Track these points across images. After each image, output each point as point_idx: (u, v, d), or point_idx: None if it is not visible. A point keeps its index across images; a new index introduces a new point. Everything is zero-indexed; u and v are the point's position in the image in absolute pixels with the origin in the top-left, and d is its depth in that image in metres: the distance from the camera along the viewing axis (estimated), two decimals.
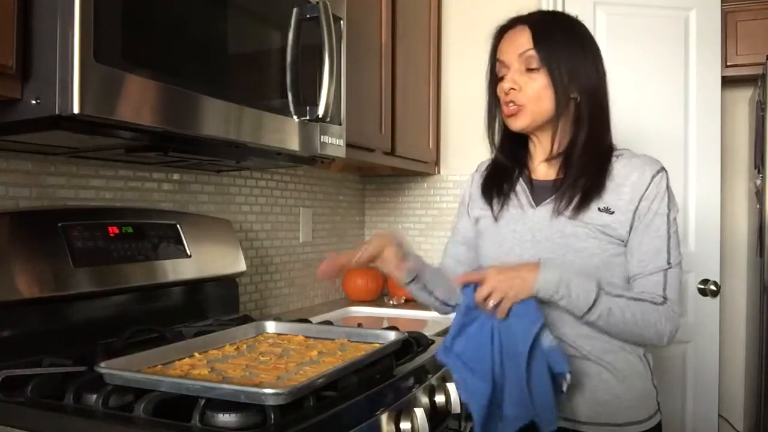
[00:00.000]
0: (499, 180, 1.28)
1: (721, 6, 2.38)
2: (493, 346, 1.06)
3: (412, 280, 1.30)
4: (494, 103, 1.27)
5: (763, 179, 2.34)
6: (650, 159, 1.19)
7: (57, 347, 1.20)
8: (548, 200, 1.20)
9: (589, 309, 1.09)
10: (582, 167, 1.18)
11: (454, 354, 1.08)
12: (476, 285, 1.08)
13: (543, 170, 1.26)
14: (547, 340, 1.05)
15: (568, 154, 1.20)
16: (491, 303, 1.06)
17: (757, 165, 2.42)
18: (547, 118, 1.19)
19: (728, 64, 2.57)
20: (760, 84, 2.42)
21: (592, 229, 1.14)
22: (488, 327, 1.07)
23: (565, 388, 1.06)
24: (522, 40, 1.17)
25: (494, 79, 1.25)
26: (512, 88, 1.17)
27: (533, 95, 1.17)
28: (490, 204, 1.27)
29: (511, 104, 1.19)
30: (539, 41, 1.16)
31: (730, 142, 2.84)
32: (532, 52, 1.16)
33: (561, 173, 1.21)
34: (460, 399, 1.11)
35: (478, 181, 1.35)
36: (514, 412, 1.04)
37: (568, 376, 1.05)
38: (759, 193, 2.40)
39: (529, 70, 1.17)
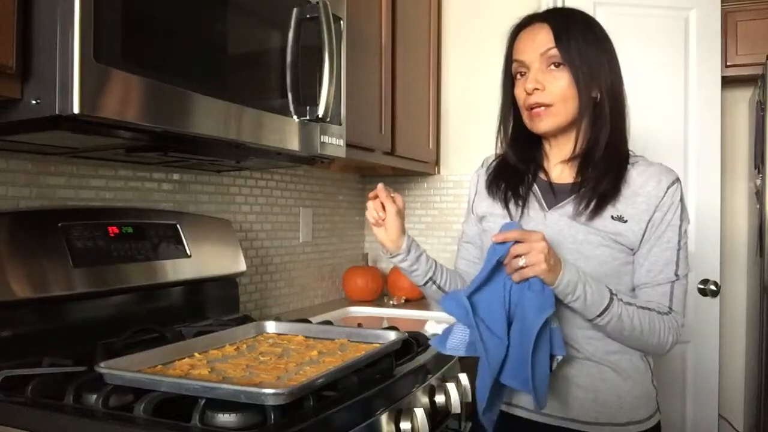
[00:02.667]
0: (510, 180, 1.25)
1: (721, 6, 2.38)
2: (504, 308, 1.05)
3: (427, 281, 1.28)
4: (510, 104, 1.23)
5: (763, 179, 2.34)
6: (666, 168, 1.18)
7: (57, 347, 1.20)
8: (563, 203, 1.18)
9: (601, 313, 1.08)
10: (603, 169, 1.16)
11: (469, 308, 1.06)
12: (512, 244, 1.05)
13: (558, 172, 1.23)
14: (555, 321, 1.05)
15: (587, 156, 1.18)
16: (520, 263, 1.03)
17: (757, 165, 2.42)
18: (571, 119, 1.16)
19: (728, 64, 2.57)
20: (760, 84, 2.42)
21: (604, 237, 1.13)
22: (501, 286, 1.06)
23: (554, 366, 1.06)
24: (542, 39, 1.15)
25: (509, 81, 1.22)
26: (536, 88, 1.14)
27: (559, 94, 1.14)
28: (504, 204, 1.23)
29: (535, 106, 1.15)
30: (561, 38, 1.13)
31: (730, 142, 2.84)
32: (554, 51, 1.13)
33: (579, 176, 1.19)
34: (463, 351, 1.09)
35: (484, 178, 1.32)
36: (513, 383, 1.03)
37: (559, 358, 1.06)
38: (759, 193, 2.40)
39: (551, 68, 1.14)
